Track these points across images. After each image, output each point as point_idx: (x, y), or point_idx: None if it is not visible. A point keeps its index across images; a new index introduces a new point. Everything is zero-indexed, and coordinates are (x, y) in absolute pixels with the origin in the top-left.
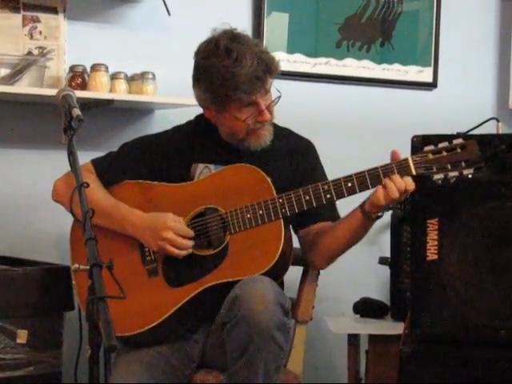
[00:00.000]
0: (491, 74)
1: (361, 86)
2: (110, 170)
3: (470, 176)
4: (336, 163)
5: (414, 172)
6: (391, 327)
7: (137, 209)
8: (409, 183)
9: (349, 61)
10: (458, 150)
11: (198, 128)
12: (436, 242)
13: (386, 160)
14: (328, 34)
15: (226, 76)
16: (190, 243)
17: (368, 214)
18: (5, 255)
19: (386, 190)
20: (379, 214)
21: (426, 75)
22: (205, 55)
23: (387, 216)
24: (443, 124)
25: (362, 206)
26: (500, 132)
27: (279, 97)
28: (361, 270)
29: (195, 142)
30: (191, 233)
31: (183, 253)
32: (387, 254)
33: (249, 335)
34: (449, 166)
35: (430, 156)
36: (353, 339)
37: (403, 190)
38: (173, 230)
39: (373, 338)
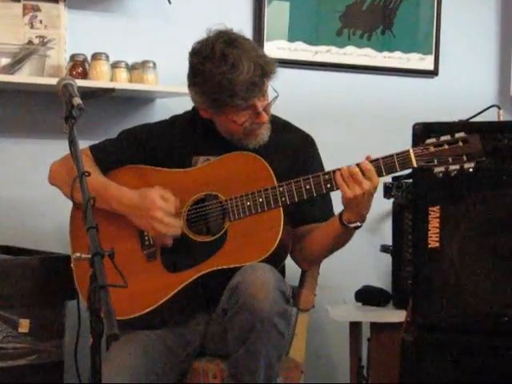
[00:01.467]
0: (492, 62)
1: (362, 74)
2: (108, 157)
3: (471, 170)
4: (337, 152)
5: (415, 164)
6: (393, 315)
7: None
8: (363, 164)
9: (350, 49)
10: (460, 144)
11: (196, 120)
12: (437, 230)
13: (388, 149)
14: (329, 22)
15: (222, 83)
16: (178, 222)
17: (345, 224)
18: (6, 244)
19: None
20: (358, 224)
21: (427, 63)
22: (200, 60)
23: (389, 204)
24: (444, 111)
25: (340, 216)
26: (501, 119)
27: (276, 97)
28: (362, 258)
29: (195, 134)
30: (173, 209)
31: (171, 230)
32: (389, 241)
33: (250, 323)
34: (450, 160)
35: (432, 149)
36: (354, 327)
37: (354, 171)
38: (161, 209)
39: (374, 326)
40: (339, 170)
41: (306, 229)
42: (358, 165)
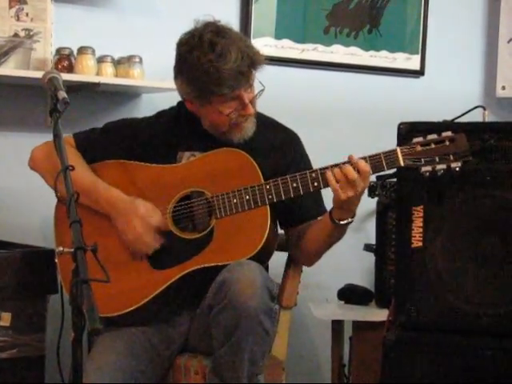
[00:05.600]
0: (478, 63)
1: (348, 72)
2: (92, 147)
3: (457, 169)
4: (323, 150)
5: (402, 163)
6: (375, 314)
7: (119, 189)
8: (362, 166)
9: (336, 47)
10: (447, 143)
11: (181, 115)
12: (421, 230)
13: (373, 148)
14: (316, 20)
15: (210, 71)
16: (151, 239)
17: (336, 221)
18: None
19: (336, 181)
20: (349, 220)
21: (413, 63)
22: (188, 48)
23: (373, 203)
24: (430, 111)
25: (330, 213)
26: (486, 120)
27: (262, 90)
28: (346, 257)
29: (180, 130)
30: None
31: (139, 242)
32: (372, 240)
33: (236, 319)
34: (437, 159)
35: (419, 148)
36: (337, 325)
37: (350, 176)
38: (141, 218)
39: (357, 325)
40: (328, 169)
41: (302, 228)
42: (352, 165)
